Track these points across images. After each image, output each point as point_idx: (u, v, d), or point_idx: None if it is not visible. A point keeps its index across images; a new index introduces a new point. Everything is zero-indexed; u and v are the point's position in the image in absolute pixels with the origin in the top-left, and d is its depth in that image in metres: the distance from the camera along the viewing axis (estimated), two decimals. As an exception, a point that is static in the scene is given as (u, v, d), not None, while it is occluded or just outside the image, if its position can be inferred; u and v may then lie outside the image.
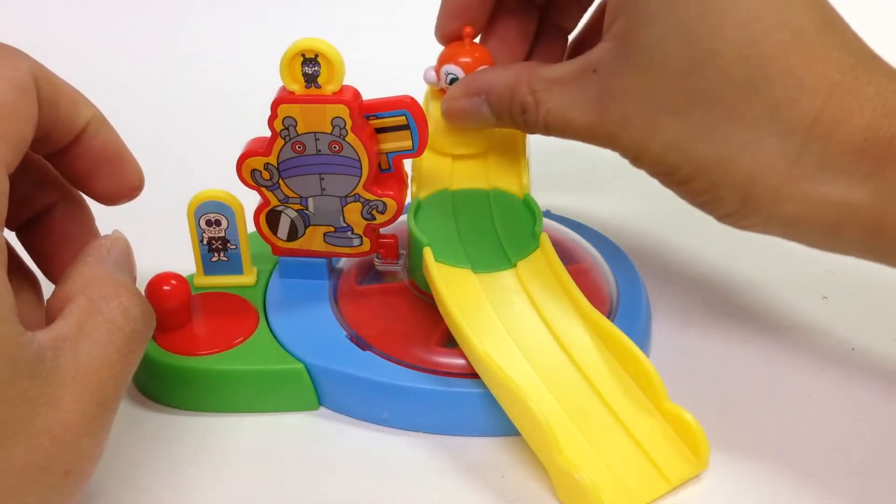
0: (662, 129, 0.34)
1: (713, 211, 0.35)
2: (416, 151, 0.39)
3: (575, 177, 0.57)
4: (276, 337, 0.40)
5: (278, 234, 0.41)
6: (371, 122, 0.38)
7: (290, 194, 0.39)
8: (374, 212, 0.40)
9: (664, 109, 0.34)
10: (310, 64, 0.36)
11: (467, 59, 0.43)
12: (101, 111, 0.34)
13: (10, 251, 0.35)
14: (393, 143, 0.38)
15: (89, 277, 0.30)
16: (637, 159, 0.36)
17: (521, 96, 0.38)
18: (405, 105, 0.37)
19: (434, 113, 0.44)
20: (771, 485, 0.35)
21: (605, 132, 0.36)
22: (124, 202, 0.35)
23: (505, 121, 0.40)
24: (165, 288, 0.39)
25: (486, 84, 0.40)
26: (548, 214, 0.47)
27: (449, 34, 0.43)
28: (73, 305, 0.29)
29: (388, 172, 0.39)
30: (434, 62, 0.44)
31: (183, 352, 0.39)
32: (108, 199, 0.35)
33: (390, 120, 0.38)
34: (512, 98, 0.39)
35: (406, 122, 0.38)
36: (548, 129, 0.38)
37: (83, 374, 0.28)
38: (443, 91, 0.43)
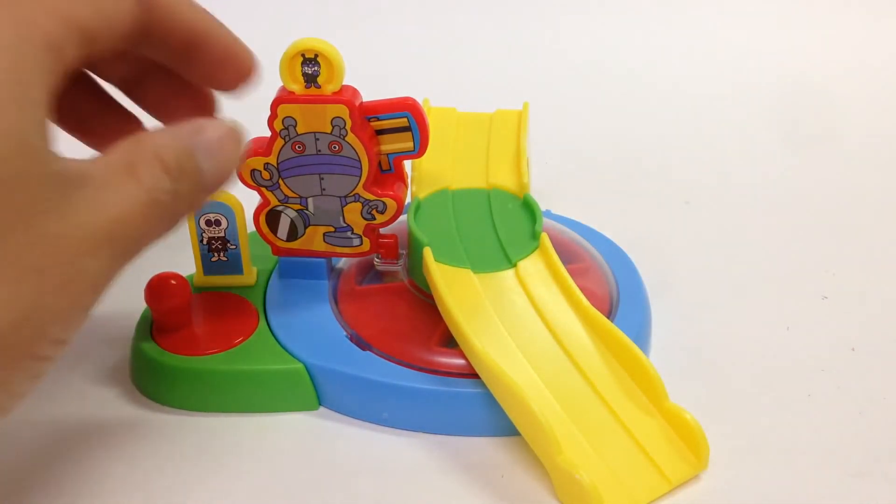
0: None
1: None
2: (417, 153, 0.39)
3: (575, 176, 0.58)
4: (276, 337, 0.40)
5: (278, 234, 0.41)
6: (372, 123, 0.38)
7: (290, 194, 0.39)
8: (373, 212, 0.40)
9: None
10: (310, 64, 0.36)
11: None
12: None
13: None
14: (394, 144, 0.38)
15: (142, 138, 0.29)
16: None
17: None
18: (406, 107, 0.37)
19: None
20: (771, 485, 0.35)
21: None
22: (241, 90, 0.35)
23: None
24: (165, 288, 0.39)
25: None
26: (548, 214, 0.47)
27: None
28: (111, 157, 0.28)
29: (388, 173, 0.39)
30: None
31: (183, 352, 0.39)
32: (227, 85, 0.35)
33: (391, 122, 0.38)
34: None
35: (407, 124, 0.38)
36: None
37: (96, 219, 0.26)
38: None
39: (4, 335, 0.25)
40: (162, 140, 0.29)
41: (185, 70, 0.34)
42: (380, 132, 0.38)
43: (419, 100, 0.38)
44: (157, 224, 0.29)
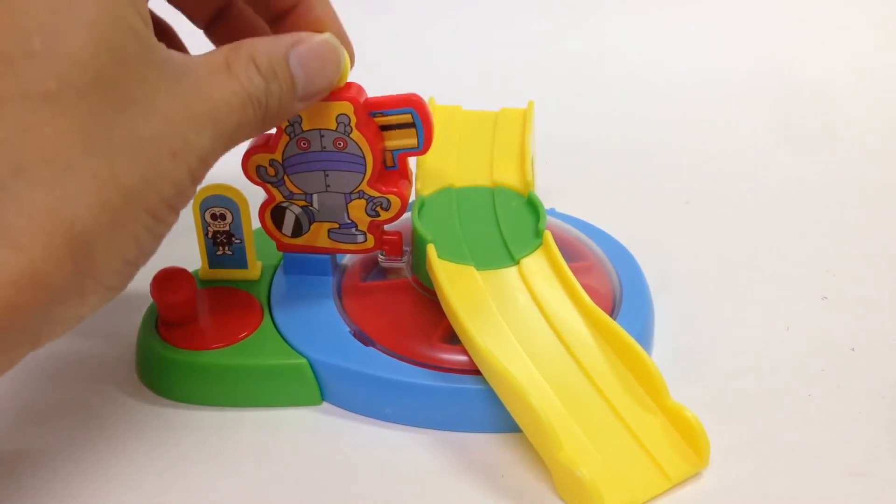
0: None
1: None
2: (420, 150, 0.39)
3: (579, 175, 0.58)
4: (280, 332, 0.40)
5: (283, 230, 0.41)
6: (376, 119, 0.38)
7: (295, 190, 0.40)
8: (378, 208, 0.40)
9: None
10: None
11: None
12: None
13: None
14: (398, 140, 0.39)
15: (241, 43, 0.31)
16: None
17: None
18: (411, 103, 0.38)
19: None
20: (771, 484, 0.35)
21: None
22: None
23: None
24: (171, 282, 0.39)
25: None
26: (552, 212, 0.47)
27: None
28: (210, 56, 0.31)
29: (392, 169, 0.39)
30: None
31: (188, 346, 0.39)
32: None
33: (396, 118, 0.38)
34: None
35: (412, 121, 0.38)
36: None
37: (199, 101, 0.29)
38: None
39: (131, 191, 0.28)
40: (258, 44, 0.32)
41: (274, 28, 0.37)
42: (384, 128, 0.38)
43: (424, 98, 0.38)
44: (252, 117, 0.31)
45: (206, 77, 0.30)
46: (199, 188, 0.40)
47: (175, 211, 0.30)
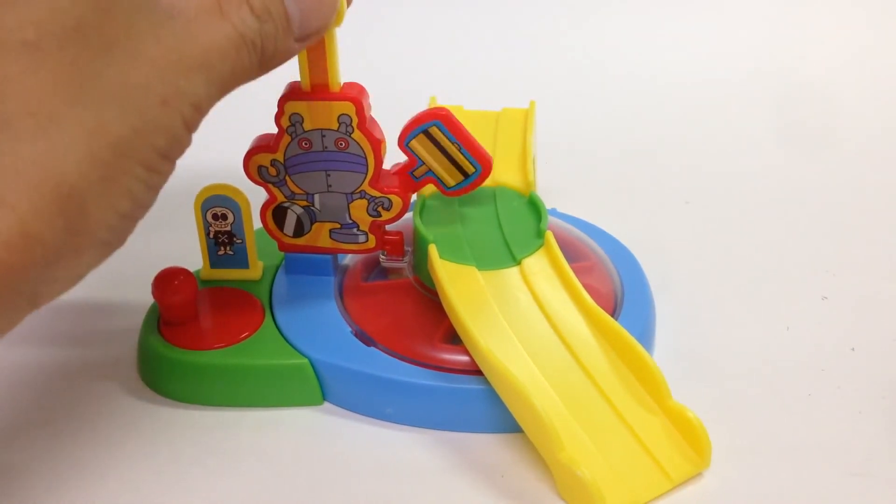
0: None
1: None
2: (448, 190, 0.40)
3: (580, 174, 0.58)
4: (281, 332, 0.40)
5: (284, 230, 0.41)
6: (437, 132, 0.38)
7: (297, 191, 0.40)
8: (379, 208, 0.40)
9: None
10: None
11: None
12: None
13: None
14: (441, 168, 0.39)
15: None
16: None
17: None
18: (486, 164, 0.39)
19: None
20: (771, 484, 0.35)
21: None
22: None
23: None
24: (173, 282, 0.39)
25: None
26: (553, 212, 0.47)
27: None
28: None
29: (412, 180, 0.40)
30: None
31: (189, 346, 0.39)
32: None
33: (458, 153, 0.38)
34: None
35: (472, 170, 0.39)
36: None
37: (188, 46, 0.28)
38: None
39: (121, 142, 0.26)
40: None
41: None
42: (434, 142, 0.38)
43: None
44: (248, 60, 0.30)
45: (195, 20, 0.28)
46: (203, 187, 0.40)
47: (170, 160, 0.29)
